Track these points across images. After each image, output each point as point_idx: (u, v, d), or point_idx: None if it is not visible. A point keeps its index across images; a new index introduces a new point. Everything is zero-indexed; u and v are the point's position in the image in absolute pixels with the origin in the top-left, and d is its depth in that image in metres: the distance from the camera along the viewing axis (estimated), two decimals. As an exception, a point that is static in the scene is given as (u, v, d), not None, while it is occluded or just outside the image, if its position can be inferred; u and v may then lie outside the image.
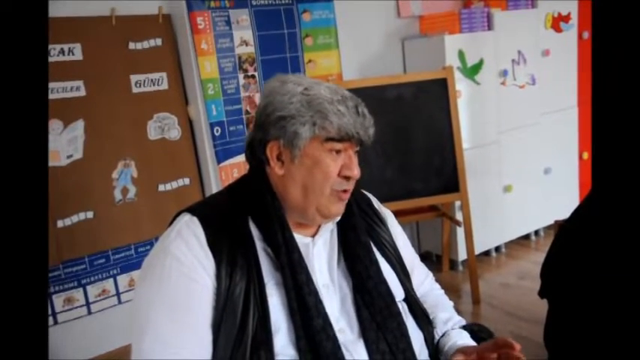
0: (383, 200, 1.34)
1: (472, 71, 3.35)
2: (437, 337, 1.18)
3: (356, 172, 1.05)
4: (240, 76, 2.93)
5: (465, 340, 1.15)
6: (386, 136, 2.91)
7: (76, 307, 2.63)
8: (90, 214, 2.61)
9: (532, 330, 2.63)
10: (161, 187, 2.80)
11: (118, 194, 2.68)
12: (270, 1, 2.99)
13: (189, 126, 2.88)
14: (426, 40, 3.44)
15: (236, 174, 2.92)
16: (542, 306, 1.66)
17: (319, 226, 1.11)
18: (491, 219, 3.58)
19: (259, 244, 1.02)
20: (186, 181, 2.88)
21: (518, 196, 3.69)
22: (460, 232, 3.29)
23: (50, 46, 2.43)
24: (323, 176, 1.03)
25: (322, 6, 3.17)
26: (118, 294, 2.75)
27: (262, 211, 1.04)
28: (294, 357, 0.96)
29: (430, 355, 1.14)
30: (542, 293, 1.66)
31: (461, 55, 3.29)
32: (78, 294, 2.63)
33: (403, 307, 1.12)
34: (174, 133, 2.83)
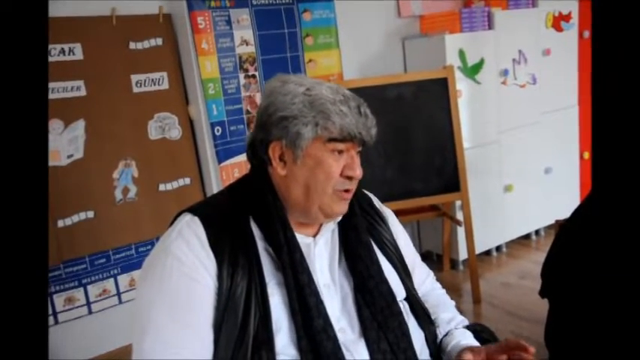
0: (383, 200, 1.34)
1: (473, 71, 3.35)
2: (439, 337, 1.18)
3: (358, 172, 1.05)
4: (241, 75, 2.93)
5: (469, 339, 1.14)
6: (386, 135, 2.91)
7: (77, 307, 2.64)
8: (90, 214, 2.61)
9: (533, 330, 2.63)
10: (162, 187, 2.80)
11: (118, 194, 2.68)
12: (270, 1, 2.98)
13: (189, 126, 2.88)
14: (426, 40, 3.44)
15: (237, 174, 2.92)
16: (543, 306, 1.66)
17: (320, 226, 1.11)
18: (491, 218, 3.58)
19: (260, 244, 1.02)
20: (187, 180, 2.88)
21: (519, 196, 3.69)
22: (461, 231, 3.29)
23: (51, 46, 2.43)
24: (325, 176, 1.03)
25: (323, 5, 3.17)
26: (118, 294, 2.75)
27: (264, 211, 1.04)
28: (295, 357, 0.96)
29: (432, 355, 1.13)
30: (542, 293, 1.66)
31: (461, 54, 3.29)
32: (78, 294, 2.63)
33: (404, 307, 1.12)
34: (175, 132, 2.83)
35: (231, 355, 0.93)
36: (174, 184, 2.84)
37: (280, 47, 3.05)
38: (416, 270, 1.29)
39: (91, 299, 2.67)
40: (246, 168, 2.77)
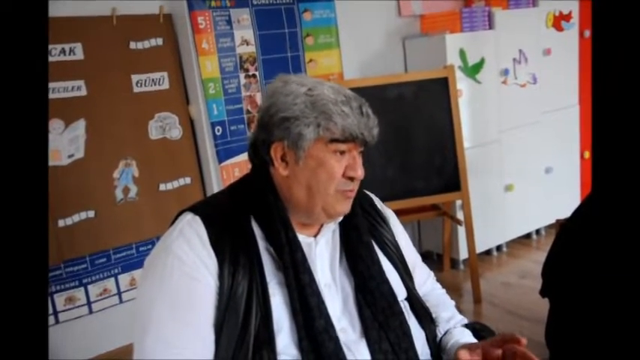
0: (384, 199, 1.34)
1: (473, 70, 3.35)
2: (439, 335, 1.19)
3: (360, 172, 1.05)
4: (241, 75, 2.93)
5: (468, 338, 1.15)
6: (387, 135, 2.91)
7: (77, 307, 2.64)
8: (91, 214, 2.61)
9: (533, 329, 2.62)
10: (162, 187, 2.81)
11: (119, 194, 2.68)
12: (271, 1, 2.98)
13: (190, 125, 2.88)
14: (427, 40, 3.44)
15: (237, 173, 2.92)
16: (544, 305, 1.66)
17: (321, 226, 1.11)
18: (492, 218, 3.58)
19: (262, 244, 1.02)
20: (188, 180, 2.88)
21: (520, 195, 3.69)
22: (461, 231, 3.29)
23: (51, 46, 2.44)
24: (327, 177, 1.03)
25: (323, 5, 3.17)
26: (119, 293, 2.75)
27: (265, 211, 1.04)
28: (296, 357, 0.96)
29: (432, 354, 1.14)
30: (543, 292, 1.66)
31: (462, 54, 3.28)
32: (79, 293, 2.64)
33: (405, 306, 1.12)
34: (176, 132, 2.83)
35: (232, 355, 0.93)
36: (175, 184, 2.84)
37: (281, 47, 3.05)
38: (416, 270, 1.29)
39: (92, 299, 2.67)
40: (246, 167, 2.77)
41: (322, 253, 1.09)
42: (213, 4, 2.78)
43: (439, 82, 2.97)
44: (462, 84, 3.24)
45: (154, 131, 2.76)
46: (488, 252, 3.74)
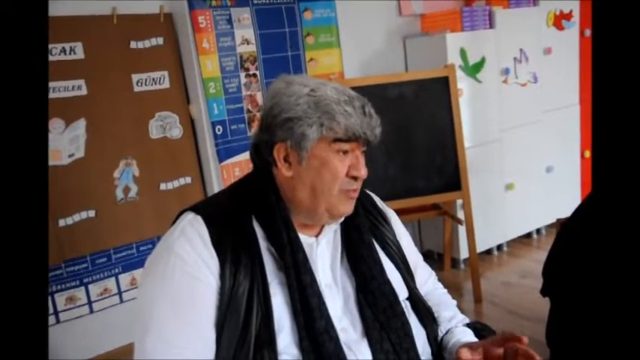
0: (385, 199, 1.34)
1: (474, 69, 3.35)
2: (440, 335, 1.19)
3: (363, 172, 1.05)
4: (242, 74, 2.92)
5: (469, 337, 1.15)
6: (388, 134, 2.88)
7: (78, 306, 2.64)
8: (92, 213, 2.61)
9: (534, 328, 2.62)
10: (162, 186, 2.80)
11: (119, 193, 2.68)
12: (271, 0, 2.98)
13: (190, 125, 2.88)
14: (427, 39, 3.44)
15: (238, 173, 2.92)
16: (544, 304, 1.66)
17: (323, 226, 1.11)
18: (493, 217, 3.58)
19: (263, 244, 1.02)
20: (188, 179, 2.88)
21: (520, 195, 3.68)
22: (462, 230, 3.29)
23: (52, 46, 2.43)
24: (331, 177, 1.03)
25: (323, 4, 3.17)
26: (119, 293, 2.75)
27: (267, 211, 1.04)
28: (297, 357, 0.96)
29: (433, 353, 1.14)
30: (544, 292, 1.66)
31: (462, 53, 3.28)
32: (80, 293, 2.64)
33: (406, 306, 1.12)
34: (176, 131, 2.83)
35: (233, 355, 0.93)
36: (175, 183, 2.84)
37: (281, 46, 3.05)
38: (418, 270, 1.29)
39: (92, 298, 2.67)
40: (247, 167, 2.78)
41: (323, 253, 1.09)
42: (213, 3, 2.78)
43: (440, 81, 2.97)
44: (462, 83, 3.24)
45: (154, 131, 2.76)
46: (488, 251, 3.74)
